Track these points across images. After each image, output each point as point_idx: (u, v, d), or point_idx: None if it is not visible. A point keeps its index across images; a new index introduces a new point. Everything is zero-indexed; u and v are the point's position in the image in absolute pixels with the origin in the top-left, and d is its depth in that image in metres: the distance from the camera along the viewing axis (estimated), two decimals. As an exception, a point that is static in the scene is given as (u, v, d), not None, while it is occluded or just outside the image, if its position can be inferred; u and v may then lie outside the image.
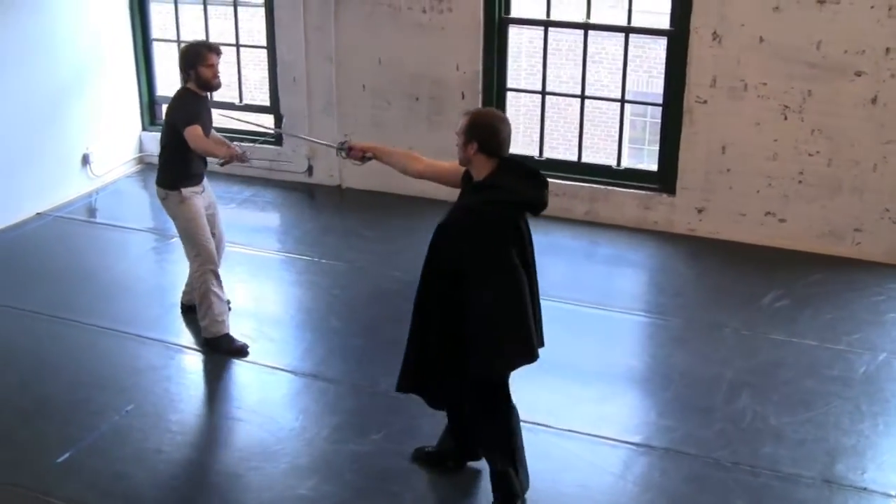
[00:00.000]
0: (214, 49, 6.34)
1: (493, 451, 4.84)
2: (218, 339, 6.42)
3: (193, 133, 6.10)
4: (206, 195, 6.53)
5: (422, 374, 4.71)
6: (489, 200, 4.51)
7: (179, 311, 6.87)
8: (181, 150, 6.21)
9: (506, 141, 4.53)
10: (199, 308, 6.42)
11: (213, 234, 6.52)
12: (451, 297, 4.49)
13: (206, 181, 6.53)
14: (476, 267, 4.48)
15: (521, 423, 4.91)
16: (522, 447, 4.90)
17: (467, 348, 4.52)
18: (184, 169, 6.32)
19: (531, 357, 4.66)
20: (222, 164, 6.24)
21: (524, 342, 4.61)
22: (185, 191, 6.30)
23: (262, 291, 7.43)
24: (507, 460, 4.79)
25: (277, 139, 9.32)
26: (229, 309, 6.61)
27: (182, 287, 6.88)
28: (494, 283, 4.50)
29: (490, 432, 4.83)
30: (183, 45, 6.37)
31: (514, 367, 4.73)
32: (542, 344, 4.86)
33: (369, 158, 5.24)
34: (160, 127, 6.85)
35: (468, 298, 4.47)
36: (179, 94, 6.36)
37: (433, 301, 4.57)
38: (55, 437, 5.51)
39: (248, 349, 6.43)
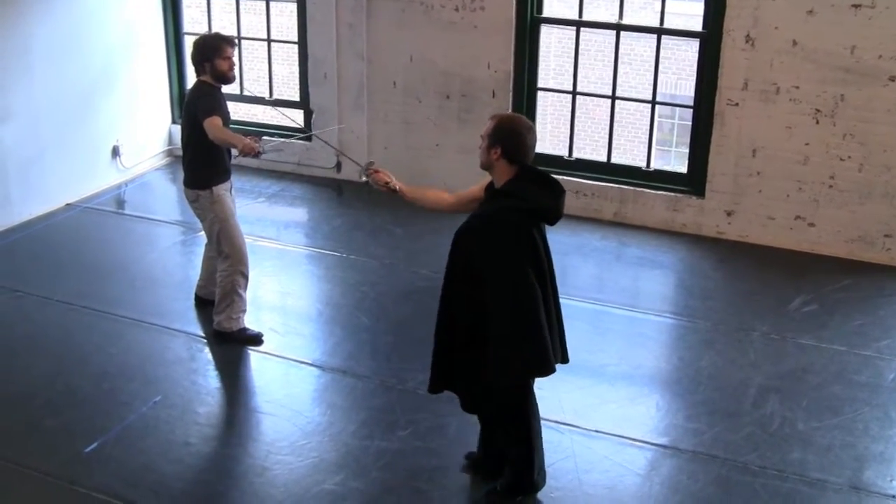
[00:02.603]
0: (230, 41, 6.32)
1: (511, 453, 4.87)
2: (231, 334, 6.46)
3: (213, 123, 6.06)
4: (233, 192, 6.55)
5: (450, 374, 4.72)
6: (505, 207, 4.48)
7: (210, 304, 6.88)
8: (206, 146, 6.18)
9: (530, 150, 4.52)
10: (218, 303, 6.46)
11: None
12: (473, 297, 4.48)
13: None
14: (492, 272, 4.46)
15: (548, 423, 4.90)
16: (541, 447, 4.90)
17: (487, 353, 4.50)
18: (213, 165, 6.32)
19: (545, 370, 4.58)
20: (237, 156, 6.23)
21: (539, 353, 4.53)
22: (217, 189, 6.31)
23: (291, 286, 7.45)
24: (525, 463, 4.82)
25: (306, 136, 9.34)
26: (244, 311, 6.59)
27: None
28: (509, 291, 4.46)
29: (508, 438, 4.84)
30: (196, 37, 6.34)
31: (525, 378, 4.69)
32: (564, 359, 4.81)
33: (393, 190, 5.15)
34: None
35: (488, 301, 4.46)
36: (196, 86, 6.32)
37: (457, 303, 4.56)
38: (83, 427, 5.54)
39: (263, 338, 6.47)
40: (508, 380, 4.62)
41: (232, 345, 6.43)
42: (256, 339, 6.47)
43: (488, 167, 4.55)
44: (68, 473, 5.14)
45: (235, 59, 6.32)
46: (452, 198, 5.01)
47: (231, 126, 6.39)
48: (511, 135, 4.45)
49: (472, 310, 4.50)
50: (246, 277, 6.45)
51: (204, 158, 6.29)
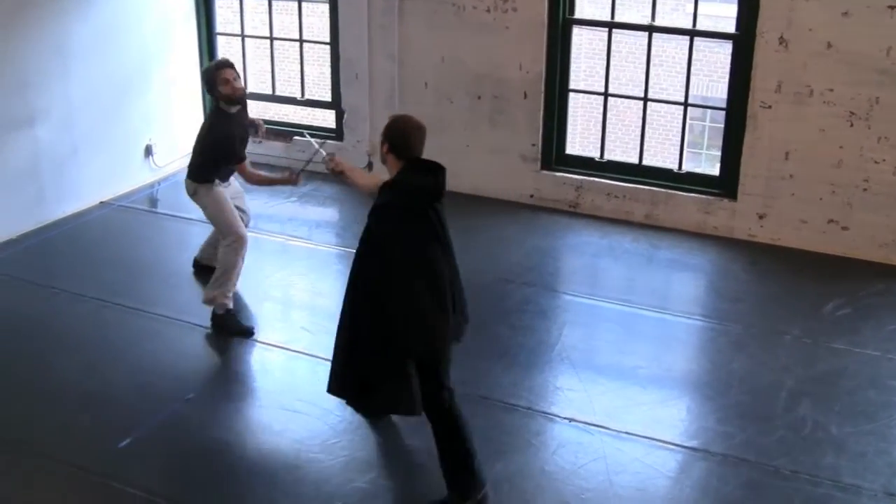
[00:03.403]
0: (224, 65, 6.72)
1: (442, 447, 4.93)
2: (223, 318, 6.61)
3: (246, 173, 6.73)
4: (231, 188, 6.95)
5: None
6: (395, 194, 4.73)
7: (242, 303, 6.93)
8: (218, 161, 6.68)
9: (417, 146, 4.82)
10: (215, 279, 6.65)
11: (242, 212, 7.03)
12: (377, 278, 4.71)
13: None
14: (391, 255, 4.67)
15: (579, 424, 4.90)
16: (471, 440, 4.93)
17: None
18: (217, 173, 6.75)
19: (430, 351, 4.76)
20: (259, 141, 6.63)
21: (425, 334, 4.72)
22: (214, 185, 6.74)
23: (321, 286, 7.48)
24: (457, 457, 4.89)
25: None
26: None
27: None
28: (406, 274, 4.68)
29: (436, 424, 4.92)
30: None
31: (412, 356, 4.73)
32: (460, 330, 4.96)
33: (339, 174, 5.69)
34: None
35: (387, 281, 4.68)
36: (211, 114, 6.80)
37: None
38: (117, 423, 5.58)
39: (254, 331, 6.64)
40: (390, 354, 4.71)
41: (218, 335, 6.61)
42: (248, 332, 6.61)
43: (383, 161, 4.90)
44: (102, 468, 5.18)
45: (235, 78, 6.64)
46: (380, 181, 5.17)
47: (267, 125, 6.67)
48: (398, 133, 4.81)
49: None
50: (242, 258, 6.71)
51: (210, 167, 6.72)
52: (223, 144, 6.59)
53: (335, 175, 5.73)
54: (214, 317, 6.66)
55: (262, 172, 7.07)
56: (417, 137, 4.84)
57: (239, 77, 6.70)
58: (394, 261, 4.65)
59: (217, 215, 6.74)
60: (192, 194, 6.78)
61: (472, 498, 4.88)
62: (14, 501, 5.01)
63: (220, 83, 6.57)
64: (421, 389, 4.75)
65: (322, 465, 5.23)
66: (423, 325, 4.69)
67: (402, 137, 4.81)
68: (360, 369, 4.77)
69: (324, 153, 5.99)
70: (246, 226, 7.02)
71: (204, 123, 6.86)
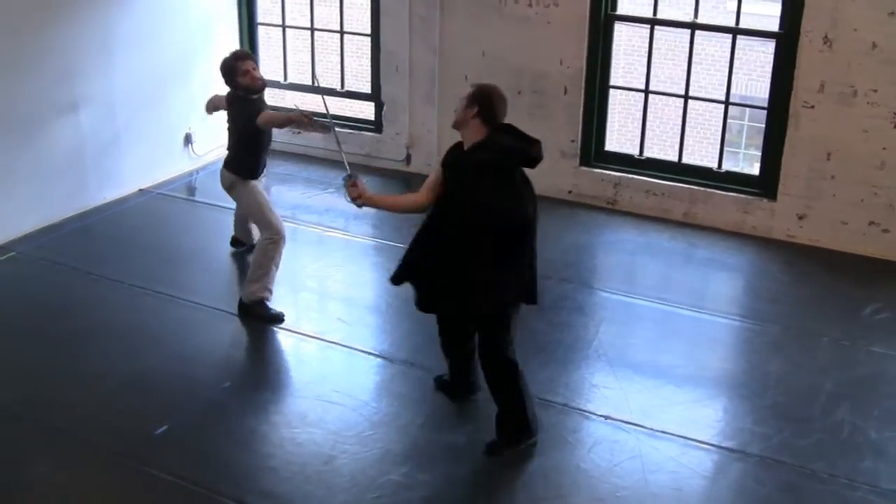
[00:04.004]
0: (243, 56, 6.81)
1: (499, 387, 5.26)
2: (251, 306, 6.66)
3: (263, 120, 6.63)
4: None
5: (417, 271, 5.34)
6: (489, 153, 4.98)
7: (279, 293, 6.95)
8: (252, 146, 6.74)
9: (502, 114, 5.10)
10: (252, 272, 6.70)
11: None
12: (460, 220, 5.03)
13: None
14: (477, 207, 4.94)
15: (615, 422, 4.94)
16: (531, 396, 5.33)
17: (470, 281, 5.01)
18: (254, 163, 6.82)
19: (527, 299, 5.16)
20: (298, 133, 6.54)
21: (522, 286, 5.10)
22: (251, 181, 6.79)
23: (358, 277, 7.51)
24: (515, 395, 5.23)
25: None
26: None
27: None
28: (490, 226, 4.96)
29: (495, 369, 5.22)
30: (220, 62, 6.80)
31: (510, 305, 5.11)
32: (534, 301, 5.24)
33: (360, 206, 5.53)
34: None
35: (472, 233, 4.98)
36: (237, 101, 6.79)
37: (448, 220, 5.11)
38: (154, 410, 5.63)
39: (284, 317, 6.67)
40: (491, 307, 5.08)
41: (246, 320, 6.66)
42: (278, 318, 6.66)
43: (462, 125, 5.10)
44: (139, 454, 5.22)
45: (254, 69, 6.73)
46: (422, 195, 5.31)
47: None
48: (488, 101, 5.05)
49: (457, 230, 5.03)
50: (281, 250, 6.72)
51: (248, 155, 6.80)
52: (255, 112, 6.66)
53: (356, 203, 5.48)
54: (242, 304, 6.70)
55: (276, 115, 6.88)
56: (503, 106, 5.11)
57: (258, 67, 6.82)
58: (487, 213, 4.92)
59: (255, 210, 6.79)
60: (229, 188, 6.86)
61: (522, 443, 5.29)
62: (51, 485, 5.06)
63: (240, 74, 6.65)
64: (484, 339, 5.18)
65: (357, 457, 5.24)
66: (502, 279, 5.00)
67: (491, 105, 5.03)
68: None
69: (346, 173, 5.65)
70: (254, 241, 7.13)
71: (234, 109, 6.85)
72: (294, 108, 6.97)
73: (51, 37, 7.88)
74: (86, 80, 8.26)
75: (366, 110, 10.33)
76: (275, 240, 6.66)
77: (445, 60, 9.00)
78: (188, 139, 9.41)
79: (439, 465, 5.18)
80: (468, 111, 5.04)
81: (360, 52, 10.82)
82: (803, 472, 5.18)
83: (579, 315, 6.85)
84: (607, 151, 8.81)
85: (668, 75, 12.65)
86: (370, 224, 8.49)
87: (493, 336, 5.16)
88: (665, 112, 14.29)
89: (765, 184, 8.16)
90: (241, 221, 7.49)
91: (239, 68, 6.66)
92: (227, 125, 6.95)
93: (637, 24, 9.56)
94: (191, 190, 9.10)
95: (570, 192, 8.78)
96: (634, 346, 6.48)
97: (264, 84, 6.80)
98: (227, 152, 6.94)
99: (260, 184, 6.92)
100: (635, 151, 8.78)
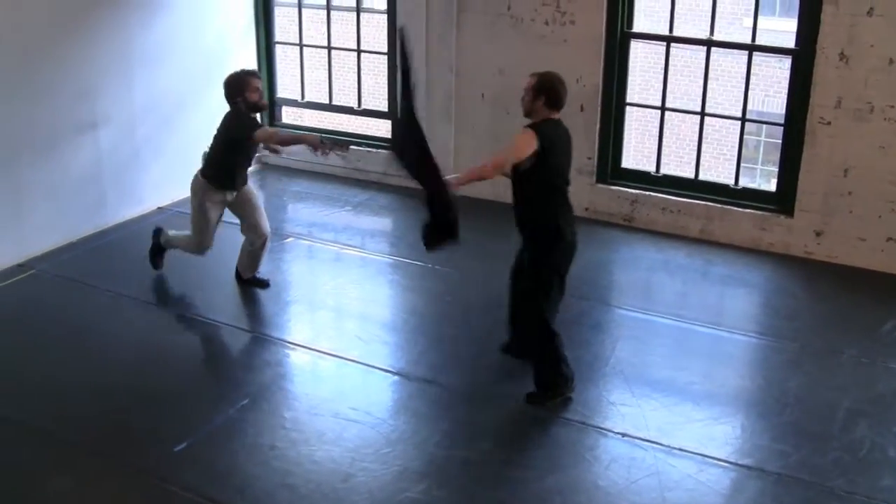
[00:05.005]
0: (255, 74, 7.08)
1: (533, 334, 5.84)
2: (164, 244, 7.42)
3: (265, 135, 6.95)
4: (241, 194, 7.14)
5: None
6: (549, 131, 5.68)
7: (296, 310, 7.00)
8: (234, 158, 6.94)
9: (564, 100, 5.75)
10: (178, 237, 7.38)
11: (254, 222, 7.19)
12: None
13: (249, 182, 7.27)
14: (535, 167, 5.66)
15: (632, 439, 4.92)
16: (564, 357, 5.88)
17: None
18: (228, 174, 6.98)
19: (570, 245, 5.90)
20: (319, 153, 6.82)
21: (563, 234, 5.83)
22: (214, 192, 7.00)
23: (375, 295, 7.52)
24: (548, 344, 5.79)
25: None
26: (268, 285, 7.34)
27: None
28: (550, 185, 5.80)
29: (531, 313, 5.84)
30: (226, 77, 7.00)
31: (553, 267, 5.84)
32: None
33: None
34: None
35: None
36: (233, 113, 6.93)
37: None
38: (173, 426, 5.65)
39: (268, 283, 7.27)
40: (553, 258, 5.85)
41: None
42: (263, 283, 7.24)
43: (532, 114, 5.73)
44: (160, 471, 5.25)
45: (262, 88, 7.02)
46: (509, 162, 5.77)
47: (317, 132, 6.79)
48: (554, 89, 5.68)
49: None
50: (193, 254, 7.28)
51: (224, 166, 6.99)
52: (254, 123, 6.93)
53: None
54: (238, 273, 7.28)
55: (288, 134, 7.29)
56: (564, 91, 5.72)
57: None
58: (553, 178, 5.75)
59: (195, 221, 7.11)
60: (193, 193, 7.08)
61: (558, 395, 5.85)
62: (70, 501, 5.09)
63: (250, 90, 6.83)
64: (528, 299, 5.88)
65: (375, 475, 5.25)
66: (564, 239, 5.81)
67: (556, 92, 5.66)
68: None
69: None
70: (262, 246, 7.25)
71: (226, 122, 7.00)
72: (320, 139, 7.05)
73: (70, 56, 7.96)
74: (105, 99, 8.33)
75: (382, 128, 10.38)
76: (191, 248, 7.21)
77: (462, 78, 9.03)
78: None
79: (457, 482, 5.18)
80: (536, 102, 5.66)
81: (376, 70, 10.84)
82: (822, 490, 5.16)
83: (597, 332, 6.86)
84: (624, 168, 8.81)
85: (684, 92, 12.65)
86: (387, 242, 8.53)
87: (531, 293, 5.82)
88: (681, 129, 14.30)
89: (782, 200, 8.16)
90: (246, 249, 7.37)
91: (250, 84, 6.84)
92: (213, 135, 7.08)
93: (653, 41, 9.58)
94: (209, 208, 9.13)
95: (586, 209, 8.78)
96: (652, 364, 6.47)
97: (266, 106, 7.08)
98: (203, 162, 7.11)
99: (217, 207, 7.06)
100: (652, 168, 8.78)
